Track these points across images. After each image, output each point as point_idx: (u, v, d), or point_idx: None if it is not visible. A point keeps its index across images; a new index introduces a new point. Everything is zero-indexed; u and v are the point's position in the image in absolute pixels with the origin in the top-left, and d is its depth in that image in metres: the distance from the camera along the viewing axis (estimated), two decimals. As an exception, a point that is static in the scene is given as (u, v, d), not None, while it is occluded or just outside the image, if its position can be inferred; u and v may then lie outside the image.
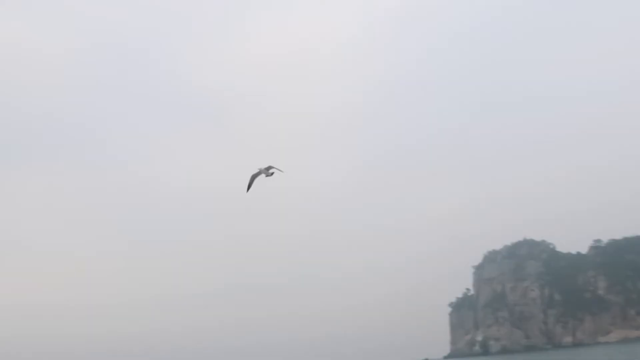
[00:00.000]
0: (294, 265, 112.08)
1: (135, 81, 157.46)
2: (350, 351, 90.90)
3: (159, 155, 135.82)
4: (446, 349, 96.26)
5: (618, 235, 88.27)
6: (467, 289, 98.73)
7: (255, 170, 15.25)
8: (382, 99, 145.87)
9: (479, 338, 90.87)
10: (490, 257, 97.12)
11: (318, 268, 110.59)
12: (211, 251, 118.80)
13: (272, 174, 15.36)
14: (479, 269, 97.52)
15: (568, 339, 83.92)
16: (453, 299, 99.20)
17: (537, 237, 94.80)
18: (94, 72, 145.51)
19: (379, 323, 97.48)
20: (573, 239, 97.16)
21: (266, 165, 15.28)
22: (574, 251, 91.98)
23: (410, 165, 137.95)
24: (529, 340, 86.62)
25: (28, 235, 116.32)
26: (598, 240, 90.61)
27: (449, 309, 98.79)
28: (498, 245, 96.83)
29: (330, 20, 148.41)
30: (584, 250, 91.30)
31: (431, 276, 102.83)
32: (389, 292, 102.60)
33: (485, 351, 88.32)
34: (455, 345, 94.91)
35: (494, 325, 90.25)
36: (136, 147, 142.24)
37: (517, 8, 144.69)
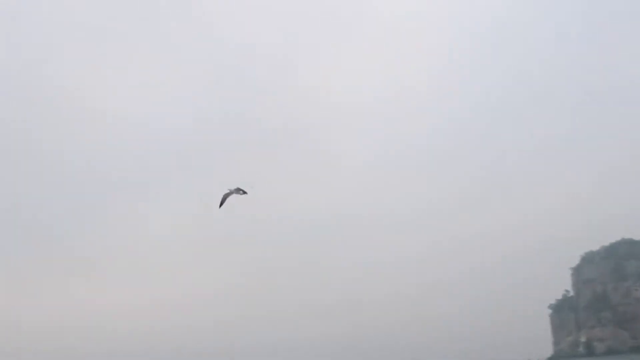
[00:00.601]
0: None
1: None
2: (454, 352, 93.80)
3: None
4: (548, 351, 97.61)
5: None
6: (567, 291, 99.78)
7: (226, 191, 17.01)
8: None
9: (583, 339, 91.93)
10: (588, 258, 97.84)
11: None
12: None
13: (243, 192, 17.11)
14: (577, 270, 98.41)
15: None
16: (552, 301, 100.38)
17: (636, 237, 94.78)
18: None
19: (479, 324, 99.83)
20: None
21: (235, 187, 17.53)
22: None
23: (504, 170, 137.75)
24: (635, 341, 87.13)
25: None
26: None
27: (549, 311, 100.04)
28: (595, 246, 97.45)
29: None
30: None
31: (526, 278, 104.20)
32: (484, 294, 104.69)
33: (590, 352, 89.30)
34: (558, 346, 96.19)
35: (597, 327, 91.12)
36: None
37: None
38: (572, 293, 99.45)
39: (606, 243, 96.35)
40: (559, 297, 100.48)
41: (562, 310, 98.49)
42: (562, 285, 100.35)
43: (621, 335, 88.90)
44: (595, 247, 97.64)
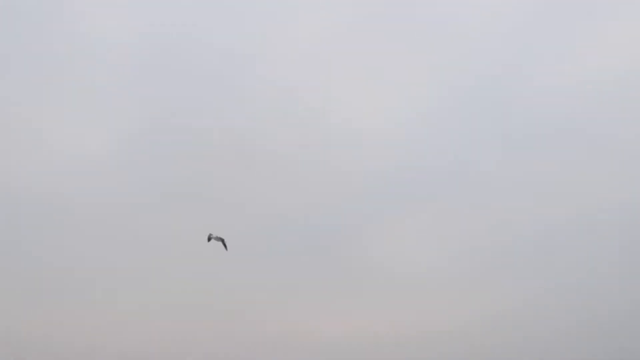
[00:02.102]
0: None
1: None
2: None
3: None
4: None
5: None
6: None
7: (211, 234, 17.55)
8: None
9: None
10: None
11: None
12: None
13: (221, 242, 17.91)
14: None
15: None
16: None
17: None
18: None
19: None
20: None
21: (217, 235, 17.77)
22: None
23: None
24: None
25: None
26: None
27: None
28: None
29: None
30: None
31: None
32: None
33: None
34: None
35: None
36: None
37: None
38: None
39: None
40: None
41: None
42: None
43: None
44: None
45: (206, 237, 16.51)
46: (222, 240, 16.61)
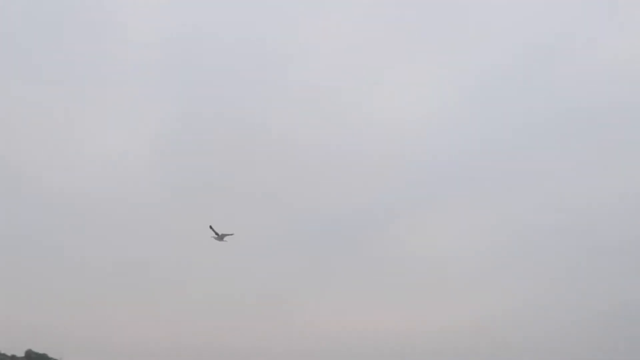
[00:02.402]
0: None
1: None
2: None
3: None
4: None
5: None
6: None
7: (213, 231, 16.56)
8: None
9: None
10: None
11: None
12: None
13: (223, 237, 16.83)
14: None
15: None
16: None
17: None
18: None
19: None
20: None
21: (220, 233, 16.83)
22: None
23: None
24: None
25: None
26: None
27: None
28: None
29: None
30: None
31: None
32: None
33: None
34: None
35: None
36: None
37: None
38: None
39: None
40: None
41: None
42: None
43: None
44: None
45: (214, 234, 16.47)
46: (223, 235, 16.58)
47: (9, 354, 40.55)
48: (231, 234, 16.58)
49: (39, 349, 44.89)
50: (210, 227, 16.55)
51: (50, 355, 46.01)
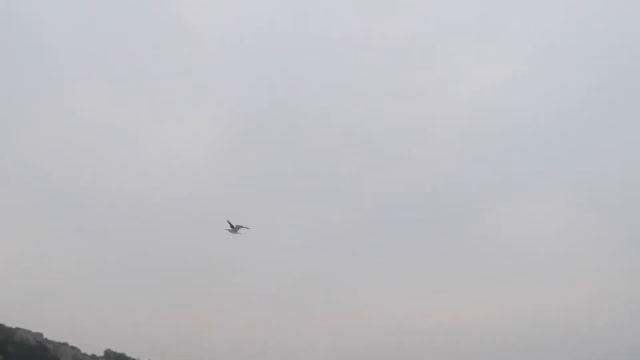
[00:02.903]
0: None
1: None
2: None
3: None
4: None
5: None
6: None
7: (230, 224, 16.32)
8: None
9: None
10: None
11: None
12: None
13: (238, 229, 16.60)
14: None
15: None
16: None
17: None
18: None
19: None
20: None
21: (235, 225, 17.45)
22: None
23: None
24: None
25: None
26: None
27: None
28: None
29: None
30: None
31: None
32: None
33: None
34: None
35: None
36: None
37: None
38: None
39: None
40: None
41: None
42: None
43: None
44: None
45: (229, 226, 16.61)
46: (238, 227, 16.68)
47: (89, 353, 42.39)
48: (247, 228, 16.78)
49: (117, 348, 46.86)
50: (228, 221, 16.75)
51: (129, 354, 47.77)
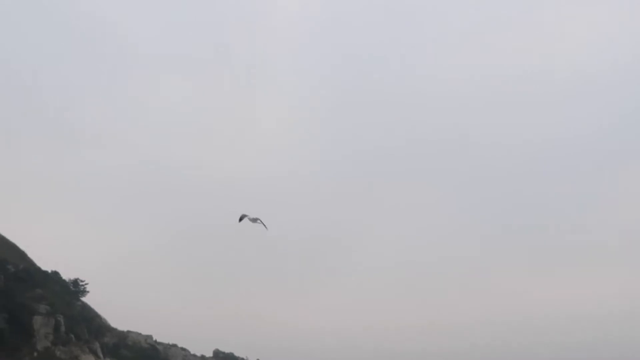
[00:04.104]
0: None
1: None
2: None
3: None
4: None
5: None
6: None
7: (247, 214, 15.29)
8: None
9: None
10: None
11: None
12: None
13: (256, 221, 15.57)
14: None
15: None
16: None
17: None
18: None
19: None
20: None
21: (254, 216, 15.45)
22: None
23: None
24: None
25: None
26: None
27: None
28: None
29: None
30: None
31: None
32: None
33: None
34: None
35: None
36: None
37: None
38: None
39: None
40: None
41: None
42: None
43: None
44: None
45: (240, 217, 15.49)
46: (257, 220, 15.47)
47: (198, 354, 42.68)
48: (263, 224, 15.52)
49: (225, 348, 46.87)
50: (246, 215, 15.62)
51: (237, 354, 47.56)
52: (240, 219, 15.56)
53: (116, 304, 39.54)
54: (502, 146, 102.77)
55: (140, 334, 38.24)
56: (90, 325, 32.38)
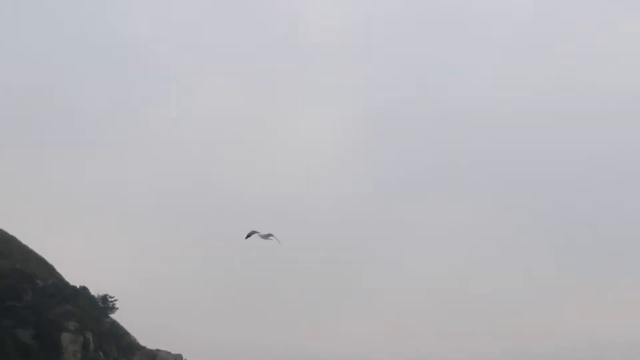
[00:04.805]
0: None
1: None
2: None
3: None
4: None
5: None
6: None
7: (257, 231, 14.30)
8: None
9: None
10: None
11: None
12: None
13: (269, 236, 14.59)
14: None
15: None
16: None
17: None
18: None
19: None
20: None
21: (266, 232, 14.48)
22: None
23: None
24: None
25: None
26: None
27: None
28: None
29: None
30: None
31: None
32: None
33: None
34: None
35: None
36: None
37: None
38: None
39: None
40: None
41: None
42: None
43: None
44: None
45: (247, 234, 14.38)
46: (269, 236, 14.42)
47: None
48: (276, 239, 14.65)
49: None
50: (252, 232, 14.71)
51: None
52: (248, 236, 14.76)
53: (145, 322, 38.40)
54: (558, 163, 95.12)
55: (169, 352, 37.01)
56: (119, 343, 31.34)
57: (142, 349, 34.26)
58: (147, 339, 35.31)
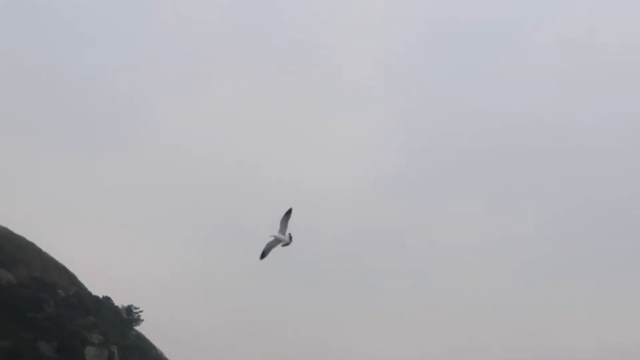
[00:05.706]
0: None
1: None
2: None
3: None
4: None
5: None
6: None
7: (271, 239, 13.11)
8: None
9: None
10: None
11: None
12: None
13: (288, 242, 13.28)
14: None
15: None
16: None
17: None
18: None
19: None
20: None
21: (279, 235, 12.46)
22: None
23: None
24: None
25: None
26: None
27: None
28: None
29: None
30: None
31: None
32: None
33: None
34: None
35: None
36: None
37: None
38: None
39: None
40: None
41: None
42: None
43: None
44: None
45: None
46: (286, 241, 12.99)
47: None
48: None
49: None
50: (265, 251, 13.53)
51: None
52: (263, 256, 12.88)
53: (172, 333, 36.40)
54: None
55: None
56: (145, 357, 29.43)
57: (168, 362, 32.39)
58: (173, 352, 33.33)
